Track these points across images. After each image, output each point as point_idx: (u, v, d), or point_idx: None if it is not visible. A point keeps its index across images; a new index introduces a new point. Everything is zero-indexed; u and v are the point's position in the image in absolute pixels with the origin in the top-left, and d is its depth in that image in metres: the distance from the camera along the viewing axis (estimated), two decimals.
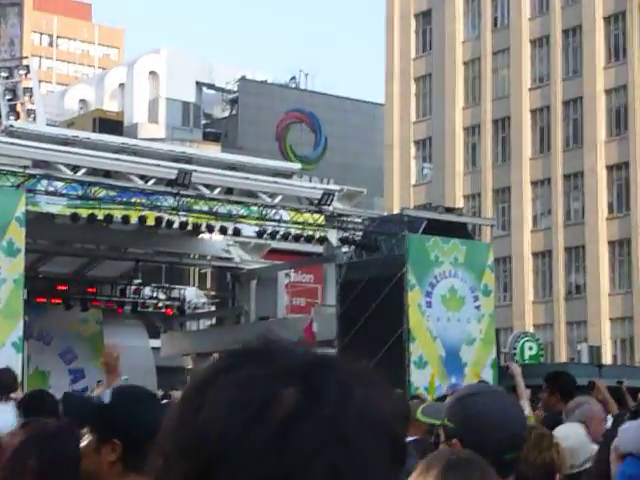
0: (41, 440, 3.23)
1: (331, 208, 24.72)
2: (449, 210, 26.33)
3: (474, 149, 50.01)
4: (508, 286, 47.44)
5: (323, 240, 25.75)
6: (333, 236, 25.47)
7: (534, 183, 47.77)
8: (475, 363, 24.39)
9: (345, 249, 25.74)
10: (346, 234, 24.97)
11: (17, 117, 30.32)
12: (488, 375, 24.14)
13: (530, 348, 29.89)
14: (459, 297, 24.52)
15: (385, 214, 31.17)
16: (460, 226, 25.29)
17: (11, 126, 23.62)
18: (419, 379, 22.63)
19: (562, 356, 45.60)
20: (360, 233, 25.08)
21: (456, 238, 24.67)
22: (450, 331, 24.17)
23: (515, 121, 48.09)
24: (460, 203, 46.25)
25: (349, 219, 25.09)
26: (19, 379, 17.97)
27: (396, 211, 36.76)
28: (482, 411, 2.85)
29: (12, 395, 10.22)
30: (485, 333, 24.85)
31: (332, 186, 28.36)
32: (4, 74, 31.65)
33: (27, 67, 32.45)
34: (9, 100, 30.82)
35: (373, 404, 1.09)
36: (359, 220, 25.34)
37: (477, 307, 24.86)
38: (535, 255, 47.40)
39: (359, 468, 1.04)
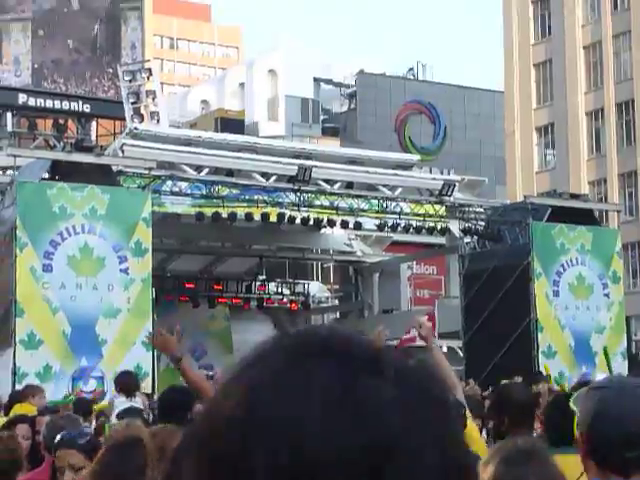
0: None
1: (452, 198, 24.53)
2: (574, 196, 25.82)
3: (598, 134, 48.90)
4: (638, 272, 46.28)
5: (445, 231, 25.57)
6: (455, 227, 25.27)
7: None
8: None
9: (468, 239, 25.50)
10: (468, 224, 24.73)
11: (141, 120, 30.92)
12: (619, 364, 23.61)
13: None
14: (587, 285, 24.05)
15: (508, 202, 30.73)
16: (586, 212, 24.78)
17: (135, 129, 24.16)
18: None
19: None
20: (483, 223, 24.82)
21: (582, 225, 24.19)
22: (579, 320, 23.74)
23: (639, 104, 46.88)
24: (585, 189, 45.27)
25: (471, 209, 24.85)
26: (150, 377, 18.49)
27: (519, 199, 36.22)
28: (602, 406, 2.78)
29: (137, 393, 10.70)
30: (615, 321, 24.33)
31: (452, 176, 28.19)
32: (127, 78, 32.32)
33: (149, 70, 33.06)
34: (133, 103, 31.46)
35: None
36: (481, 210, 25.08)
37: (606, 295, 24.35)
38: None
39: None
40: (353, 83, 67.59)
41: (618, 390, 2.83)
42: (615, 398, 2.79)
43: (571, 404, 3.01)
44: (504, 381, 15.59)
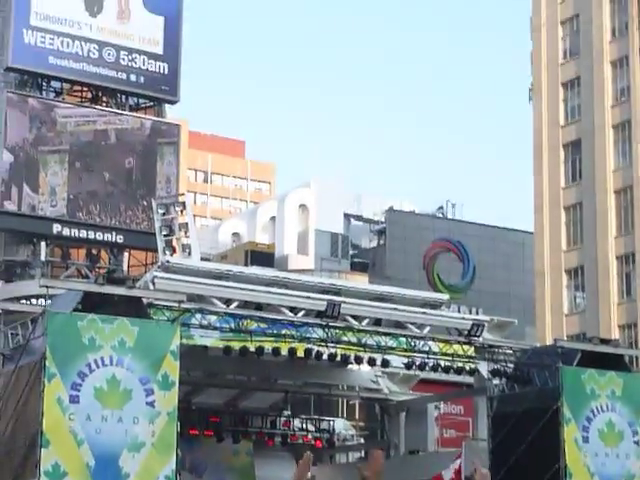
0: None
1: (481, 339, 24.42)
2: (604, 341, 25.60)
3: (628, 278, 48.83)
4: None
5: (473, 372, 25.37)
6: (484, 368, 25.07)
7: None
8: None
9: (496, 381, 25.26)
10: (497, 366, 24.54)
11: (173, 252, 31.26)
12: None
13: None
14: (617, 432, 23.65)
15: (537, 345, 30.53)
16: (616, 357, 24.55)
17: (167, 262, 24.38)
18: None
19: None
20: (512, 365, 24.62)
21: (612, 370, 23.95)
22: (609, 467, 23.28)
23: None
24: (615, 333, 45.03)
25: (500, 350, 24.69)
26: None
27: (549, 341, 36.06)
28: None
29: None
30: None
31: (481, 316, 28.06)
32: (161, 211, 32.79)
33: (183, 204, 33.54)
34: (165, 236, 31.85)
35: None
36: (510, 351, 24.90)
37: (636, 442, 23.91)
38: None
39: None
40: (383, 220, 68.28)
41: None
42: None
43: None
44: None
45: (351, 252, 69.27)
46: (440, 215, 69.89)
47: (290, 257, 65.10)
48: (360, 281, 52.61)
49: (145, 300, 19.97)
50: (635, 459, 23.77)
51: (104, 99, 46.18)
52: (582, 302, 50.80)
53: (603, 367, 23.79)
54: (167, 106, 48.60)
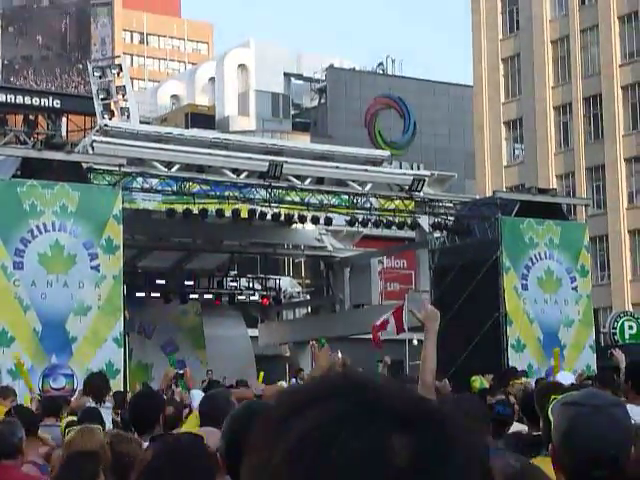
0: (174, 455, 3.33)
1: (422, 194, 24.70)
2: (542, 191, 26.05)
3: (565, 128, 49.26)
4: (605, 265, 46.68)
5: (415, 226, 25.75)
6: (425, 222, 25.46)
7: (628, 160, 46.84)
8: (574, 345, 24.17)
9: (437, 234, 25.69)
10: (438, 219, 24.93)
11: (111, 116, 30.89)
12: (587, 356, 23.93)
13: (630, 327, 29.34)
14: (555, 279, 24.29)
15: (477, 197, 30.95)
16: (554, 207, 25.01)
17: (106, 125, 24.13)
18: (517, 362, 22.49)
19: None
20: (452, 218, 25.01)
21: (550, 219, 24.42)
22: (547, 313, 23.98)
23: (606, 98, 47.24)
24: (553, 183, 45.65)
25: (440, 204, 25.03)
26: (121, 373, 18.53)
27: (488, 194, 36.52)
28: (573, 424, 2.79)
29: (107, 398, 10.51)
30: (583, 314, 24.58)
31: (422, 172, 28.31)
32: (97, 74, 32.25)
33: (119, 66, 33.00)
34: (103, 99, 31.42)
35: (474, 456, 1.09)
36: (451, 205, 25.26)
37: (574, 288, 24.60)
38: (632, 233, 46.51)
39: None
40: (323, 78, 67.64)
41: (591, 409, 2.82)
42: (587, 417, 2.80)
43: (549, 414, 3.02)
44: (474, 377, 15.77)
45: (292, 112, 68.74)
46: (380, 71, 69.35)
47: (231, 118, 64.53)
48: (302, 141, 52.48)
49: (85, 165, 19.86)
50: (573, 304, 24.49)
51: None
52: (521, 153, 51.28)
53: (541, 216, 24.24)
54: None
